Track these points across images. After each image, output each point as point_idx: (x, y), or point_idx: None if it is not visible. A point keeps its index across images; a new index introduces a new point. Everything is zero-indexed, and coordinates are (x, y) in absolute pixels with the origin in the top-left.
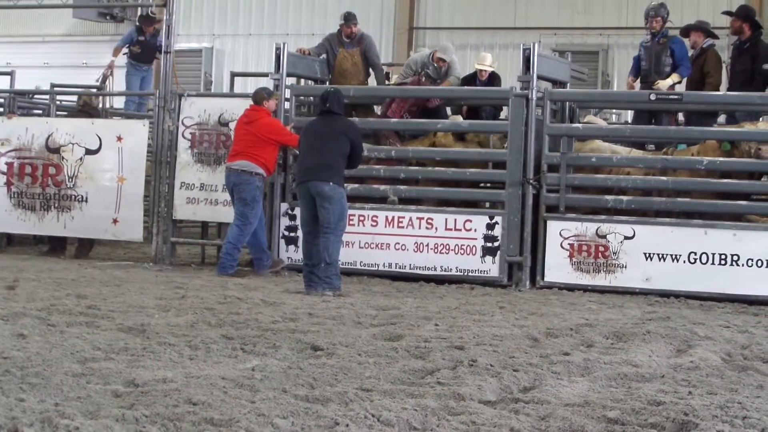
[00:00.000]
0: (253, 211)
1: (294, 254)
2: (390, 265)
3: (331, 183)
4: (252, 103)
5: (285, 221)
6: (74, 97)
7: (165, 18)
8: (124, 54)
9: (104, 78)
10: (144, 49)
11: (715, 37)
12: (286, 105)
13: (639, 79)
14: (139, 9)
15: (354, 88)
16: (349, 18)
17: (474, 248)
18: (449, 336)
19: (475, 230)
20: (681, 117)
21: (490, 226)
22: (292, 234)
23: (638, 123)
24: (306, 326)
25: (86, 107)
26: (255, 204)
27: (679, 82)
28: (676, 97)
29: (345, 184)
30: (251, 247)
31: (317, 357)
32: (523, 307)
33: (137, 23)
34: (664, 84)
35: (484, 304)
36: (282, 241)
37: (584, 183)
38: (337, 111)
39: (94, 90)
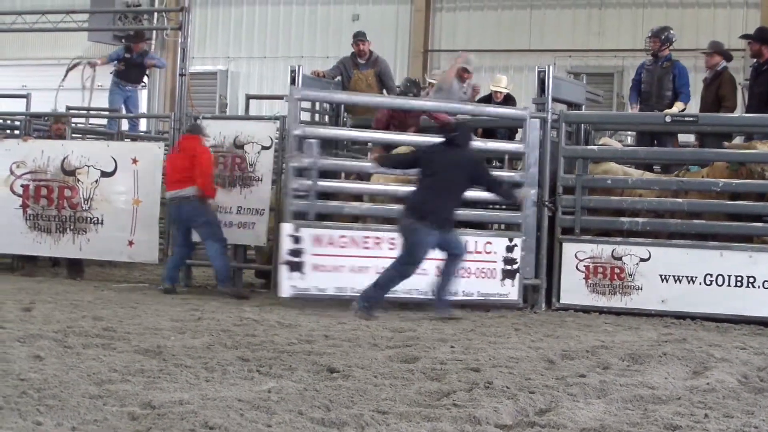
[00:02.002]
0: (218, 226)
1: (299, 281)
2: (410, 291)
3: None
4: (188, 132)
5: (288, 243)
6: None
7: (180, 41)
8: (110, 73)
9: (68, 71)
10: (129, 66)
11: (730, 58)
12: None
13: (639, 102)
14: (155, 32)
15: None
16: (357, 35)
17: (494, 271)
18: (465, 358)
19: (495, 253)
20: (682, 139)
21: (510, 249)
22: (296, 259)
23: (641, 145)
24: (322, 348)
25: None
26: (215, 219)
27: (683, 110)
28: (692, 118)
29: None
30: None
31: (333, 379)
32: (538, 329)
33: (124, 41)
34: (670, 114)
35: (500, 326)
36: (284, 268)
37: (599, 205)
38: (462, 144)
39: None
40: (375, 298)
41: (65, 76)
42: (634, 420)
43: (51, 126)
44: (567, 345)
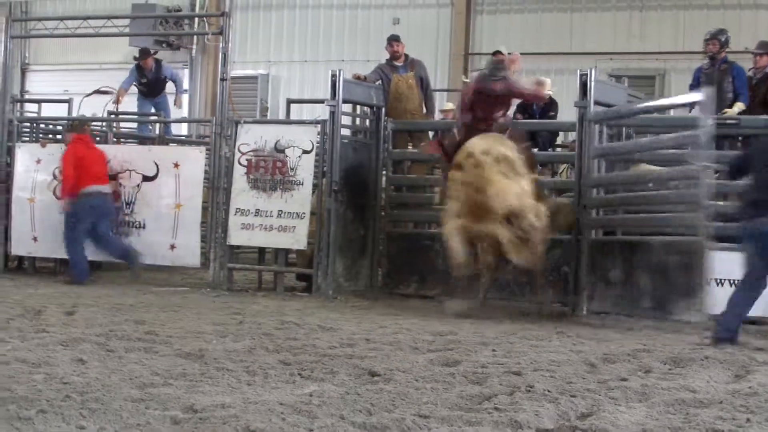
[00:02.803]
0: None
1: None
2: None
3: None
4: (77, 133)
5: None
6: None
7: (221, 45)
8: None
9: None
10: (149, 87)
11: None
12: None
13: None
14: (196, 37)
15: None
16: (391, 37)
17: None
18: (506, 361)
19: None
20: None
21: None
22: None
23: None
24: (363, 352)
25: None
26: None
27: (744, 111)
28: (734, 121)
29: None
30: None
31: (374, 383)
32: (580, 333)
33: (135, 64)
34: (731, 113)
35: (541, 329)
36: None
37: None
38: None
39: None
40: (733, 325)
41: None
42: (676, 424)
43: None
44: (608, 348)
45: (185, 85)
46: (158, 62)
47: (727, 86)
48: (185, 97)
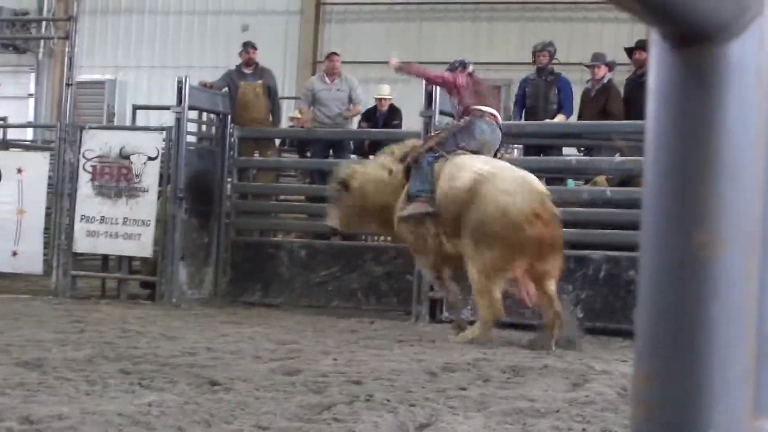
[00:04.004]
0: None
1: None
2: None
3: None
4: None
5: None
6: None
7: (67, 50)
8: None
9: None
10: None
11: (613, 69)
12: None
13: (524, 116)
14: (42, 41)
15: None
16: (247, 44)
17: None
18: (347, 371)
19: None
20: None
21: None
22: None
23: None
24: (204, 361)
25: None
26: None
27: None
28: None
29: None
30: None
31: (215, 392)
32: (422, 342)
33: None
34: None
35: (384, 338)
36: None
37: None
38: None
39: None
40: None
41: None
42: None
43: None
44: (450, 357)
45: (31, 89)
46: None
47: (552, 97)
48: (31, 102)
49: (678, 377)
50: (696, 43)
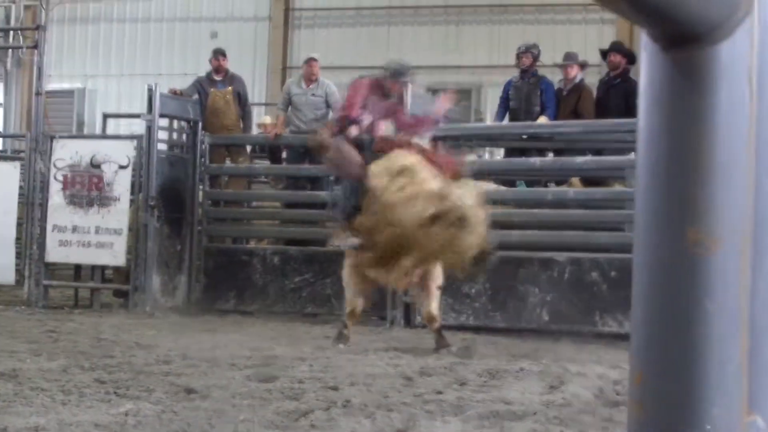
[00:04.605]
0: None
1: None
2: None
3: None
4: None
5: None
6: None
7: (36, 59)
8: None
9: None
10: None
11: (585, 68)
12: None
13: (508, 119)
14: (10, 50)
15: None
16: (217, 51)
17: None
18: (323, 376)
19: None
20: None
21: None
22: None
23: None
24: (180, 369)
25: None
26: None
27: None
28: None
29: None
30: None
31: (191, 400)
32: (398, 346)
33: None
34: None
35: (359, 343)
36: None
37: None
38: None
39: None
40: None
41: None
42: None
43: None
44: (425, 362)
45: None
46: None
47: (535, 99)
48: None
49: (674, 374)
50: (686, 44)
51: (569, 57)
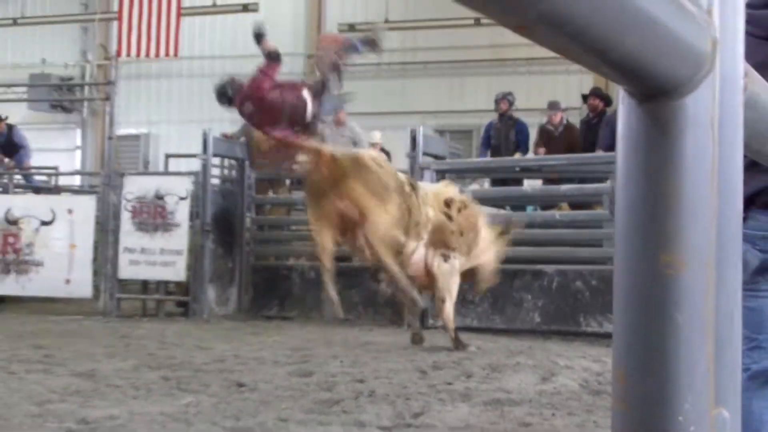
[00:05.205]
0: None
1: None
2: None
3: None
4: None
5: None
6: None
7: (108, 109)
8: None
9: None
10: (2, 147)
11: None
12: None
13: (490, 155)
14: (86, 101)
15: None
16: None
17: None
18: (352, 371)
19: None
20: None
21: None
22: None
23: None
24: (232, 366)
25: None
26: None
27: None
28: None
29: None
30: None
31: (242, 392)
32: (415, 345)
33: None
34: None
35: (382, 343)
36: None
37: None
38: None
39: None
40: None
41: None
42: (493, 420)
43: None
44: (438, 357)
45: (77, 142)
46: (10, 127)
47: (512, 137)
48: (78, 153)
49: (651, 375)
50: (656, 98)
51: (553, 105)
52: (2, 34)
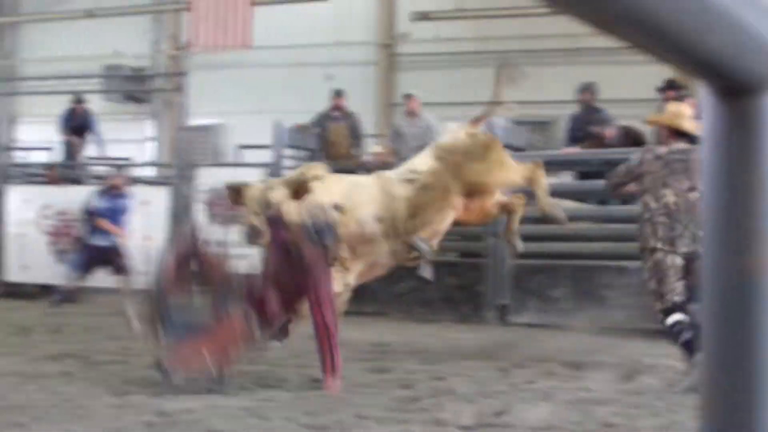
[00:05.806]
0: None
1: None
2: None
3: None
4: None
5: None
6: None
7: (179, 100)
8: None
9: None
10: (75, 129)
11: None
12: None
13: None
14: (158, 93)
15: None
16: (338, 93)
17: None
18: (431, 368)
19: None
20: None
21: None
22: None
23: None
24: (309, 362)
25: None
26: None
27: None
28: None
29: None
30: None
31: (318, 388)
32: (495, 342)
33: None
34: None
35: (461, 340)
36: None
37: None
38: None
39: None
40: None
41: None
42: (576, 419)
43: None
44: (518, 355)
45: (149, 133)
46: (86, 111)
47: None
48: (148, 144)
49: (740, 378)
50: (739, 95)
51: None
52: (76, 26)
